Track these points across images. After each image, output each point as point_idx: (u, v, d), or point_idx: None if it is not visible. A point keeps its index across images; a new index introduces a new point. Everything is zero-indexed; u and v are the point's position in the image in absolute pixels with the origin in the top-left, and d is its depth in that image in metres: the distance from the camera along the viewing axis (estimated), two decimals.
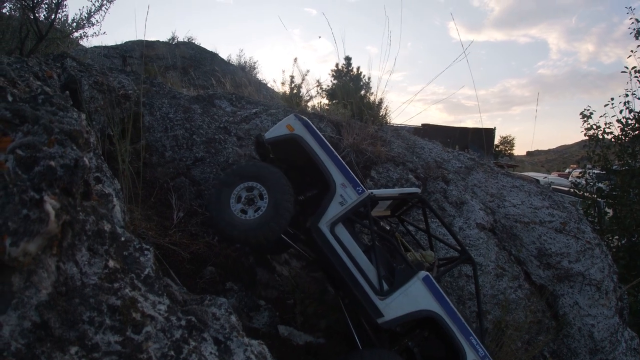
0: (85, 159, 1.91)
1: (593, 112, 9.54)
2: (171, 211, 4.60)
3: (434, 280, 3.58)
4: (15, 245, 1.51)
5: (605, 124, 9.46)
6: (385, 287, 3.55)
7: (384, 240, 3.95)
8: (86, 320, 1.70)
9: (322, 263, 4.29)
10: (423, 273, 3.58)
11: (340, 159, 3.80)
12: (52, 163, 1.77)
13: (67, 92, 2.94)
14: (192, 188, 5.11)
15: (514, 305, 5.28)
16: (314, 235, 3.64)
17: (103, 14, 7.65)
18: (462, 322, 3.55)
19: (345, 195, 3.66)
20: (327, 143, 3.82)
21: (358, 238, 3.91)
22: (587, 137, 9.65)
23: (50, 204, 1.64)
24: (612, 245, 8.57)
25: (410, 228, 4.92)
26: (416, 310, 3.51)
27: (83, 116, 2.42)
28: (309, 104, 9.45)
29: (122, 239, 2.14)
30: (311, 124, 3.89)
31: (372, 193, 3.72)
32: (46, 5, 7.08)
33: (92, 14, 7.62)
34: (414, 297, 3.50)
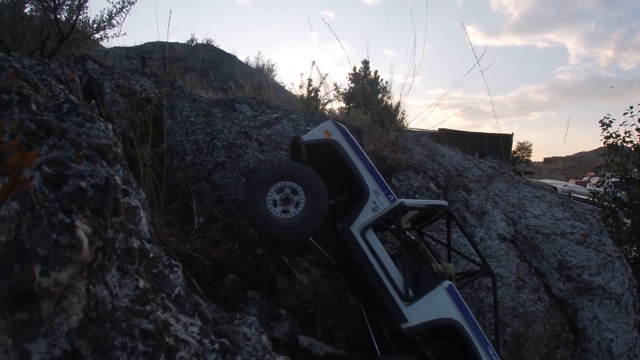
0: (116, 177, 1.86)
1: (613, 120, 9.39)
2: (192, 216, 4.58)
3: (457, 290, 3.66)
4: (45, 275, 1.43)
5: (625, 133, 9.31)
6: (411, 293, 3.61)
7: (409, 249, 3.98)
8: (118, 346, 1.65)
9: (344, 268, 4.37)
10: (447, 282, 3.68)
11: (374, 166, 3.88)
12: (82, 183, 1.69)
13: (93, 101, 2.90)
14: (213, 193, 5.09)
15: (533, 318, 5.22)
16: (345, 237, 3.71)
17: (124, 15, 7.62)
18: (481, 332, 3.61)
19: (378, 202, 3.76)
20: (362, 150, 3.91)
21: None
22: (606, 145, 9.50)
23: (83, 230, 1.56)
24: (630, 256, 8.41)
25: (430, 241, 4.90)
26: (439, 318, 3.58)
27: (110, 127, 2.36)
28: (327, 107, 9.42)
29: (151, 255, 2.10)
30: (348, 131, 3.97)
31: (402, 202, 3.80)
32: (67, 7, 7.08)
33: (113, 15, 7.60)
34: (437, 305, 3.59)
